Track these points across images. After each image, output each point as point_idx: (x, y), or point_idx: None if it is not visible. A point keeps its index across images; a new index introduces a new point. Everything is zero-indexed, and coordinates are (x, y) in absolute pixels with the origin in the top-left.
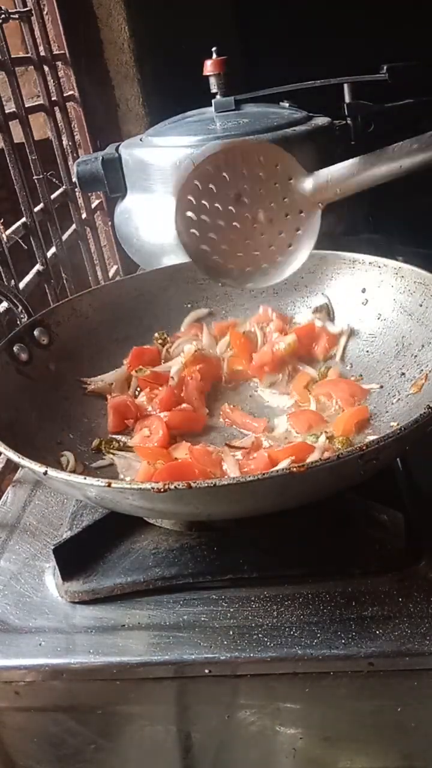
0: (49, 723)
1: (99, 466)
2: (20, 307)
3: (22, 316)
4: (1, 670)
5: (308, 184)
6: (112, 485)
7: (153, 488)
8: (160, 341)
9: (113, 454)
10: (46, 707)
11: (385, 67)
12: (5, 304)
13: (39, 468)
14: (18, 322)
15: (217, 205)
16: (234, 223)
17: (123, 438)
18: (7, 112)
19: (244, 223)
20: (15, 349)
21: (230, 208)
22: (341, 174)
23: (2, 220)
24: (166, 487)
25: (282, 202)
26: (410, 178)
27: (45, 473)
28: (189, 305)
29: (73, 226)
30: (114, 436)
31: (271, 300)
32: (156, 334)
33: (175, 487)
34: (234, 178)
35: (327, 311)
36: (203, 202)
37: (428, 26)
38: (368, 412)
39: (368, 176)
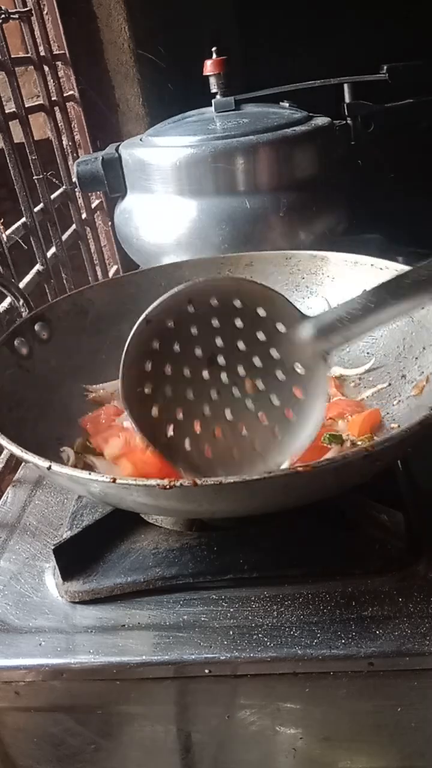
0: (49, 723)
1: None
2: (21, 301)
3: (23, 310)
4: (1, 670)
5: (306, 330)
6: (117, 481)
7: (158, 485)
8: None
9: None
10: (46, 707)
11: (385, 67)
12: (6, 302)
13: (43, 463)
14: (19, 316)
15: (184, 371)
16: (210, 395)
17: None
18: (7, 112)
19: (223, 392)
20: (15, 343)
21: (202, 373)
22: (352, 312)
23: (2, 220)
24: (172, 484)
25: (270, 358)
26: (411, 179)
27: (49, 468)
28: None
29: (73, 226)
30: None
31: None
32: None
33: (181, 484)
34: (203, 332)
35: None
36: (164, 369)
37: (428, 26)
38: (380, 416)
39: (387, 315)
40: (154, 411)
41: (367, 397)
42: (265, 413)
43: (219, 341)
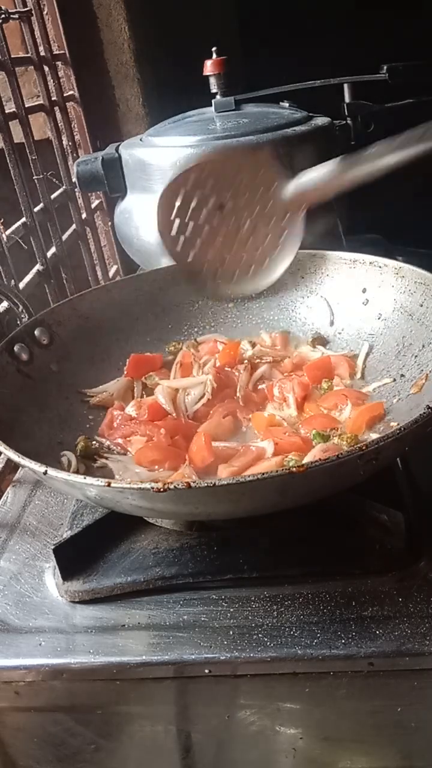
0: (49, 723)
1: (100, 466)
2: (20, 307)
3: (22, 315)
4: (1, 670)
5: (290, 188)
6: (112, 485)
7: (153, 488)
8: (171, 349)
9: (105, 458)
10: (46, 707)
11: (385, 67)
12: (5, 304)
13: (39, 468)
14: (18, 322)
15: (201, 212)
16: (219, 229)
17: (105, 441)
18: (7, 112)
19: (230, 230)
20: (15, 348)
21: (215, 215)
22: (321, 177)
23: (2, 220)
24: (166, 486)
25: (266, 206)
26: (410, 178)
27: (45, 473)
28: (189, 305)
29: (73, 226)
30: (99, 438)
31: (271, 300)
32: (170, 347)
33: (175, 486)
34: (216, 187)
35: (323, 341)
36: (188, 208)
37: (428, 26)
38: (383, 408)
39: (348, 179)
40: (181, 238)
41: (373, 389)
42: (259, 245)
43: (227, 194)
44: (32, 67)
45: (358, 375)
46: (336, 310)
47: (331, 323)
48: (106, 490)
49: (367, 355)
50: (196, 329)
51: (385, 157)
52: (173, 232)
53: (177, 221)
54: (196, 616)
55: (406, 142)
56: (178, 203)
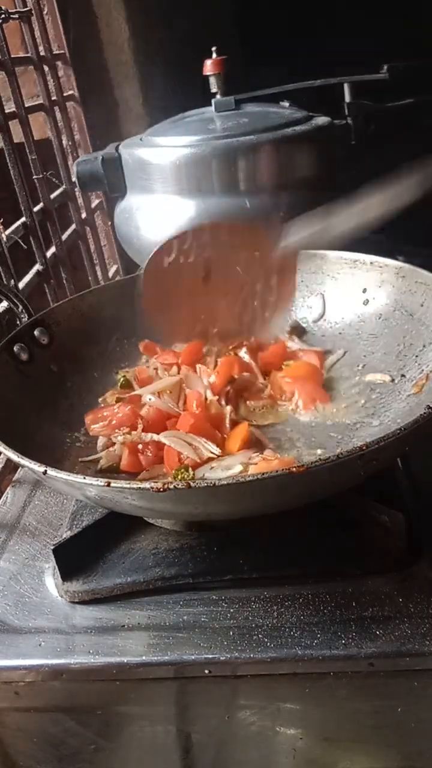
0: (49, 723)
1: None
2: (20, 307)
3: (22, 316)
4: (1, 670)
5: (278, 249)
6: (111, 485)
7: (152, 488)
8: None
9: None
10: (46, 707)
11: (385, 67)
12: (5, 304)
13: (39, 468)
14: (18, 322)
15: (187, 283)
16: (207, 299)
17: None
18: (7, 112)
19: (217, 299)
20: (15, 348)
21: (200, 284)
22: (310, 237)
23: (2, 220)
24: (166, 486)
25: (252, 271)
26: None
27: (45, 473)
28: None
29: (73, 226)
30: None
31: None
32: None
33: (175, 486)
34: (201, 255)
35: (299, 331)
36: (174, 281)
37: (428, 26)
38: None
39: (338, 236)
40: (168, 306)
41: (366, 384)
42: (254, 297)
43: (214, 261)
44: (32, 67)
45: (325, 374)
46: (336, 310)
47: (322, 317)
48: (105, 490)
49: (338, 360)
50: None
51: (374, 210)
52: (159, 306)
53: (162, 295)
54: (196, 617)
55: (396, 191)
56: (162, 276)
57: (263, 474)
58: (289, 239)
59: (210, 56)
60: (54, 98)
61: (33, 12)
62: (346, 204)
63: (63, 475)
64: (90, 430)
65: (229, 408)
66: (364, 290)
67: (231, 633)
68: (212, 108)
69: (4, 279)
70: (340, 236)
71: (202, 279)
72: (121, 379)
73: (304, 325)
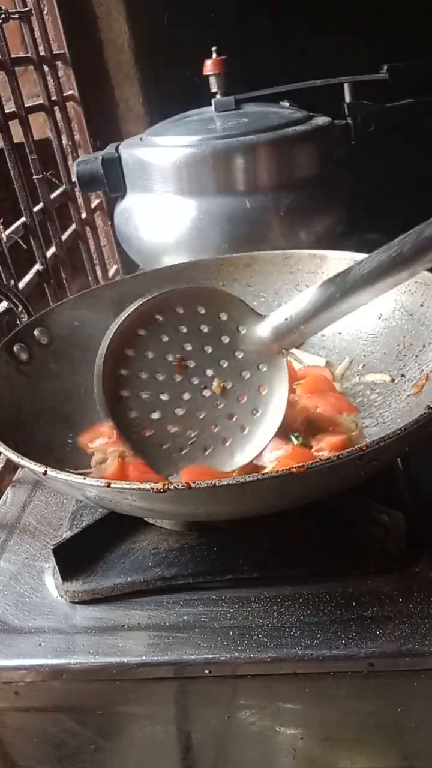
0: (49, 723)
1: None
2: (20, 307)
3: (22, 316)
4: (1, 670)
5: (264, 330)
6: (112, 485)
7: (153, 488)
8: None
9: None
10: (46, 707)
11: (385, 67)
12: (5, 304)
13: (39, 468)
14: (18, 322)
15: (157, 376)
16: (182, 396)
17: None
18: (7, 112)
19: (194, 392)
20: (15, 348)
21: (174, 377)
22: (303, 312)
23: (2, 220)
24: (166, 487)
25: (235, 357)
26: (410, 178)
27: (45, 473)
28: None
29: (73, 226)
30: None
31: (271, 301)
32: None
33: (175, 487)
34: (172, 339)
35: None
36: (139, 375)
37: (428, 26)
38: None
39: (337, 311)
40: (132, 414)
41: (366, 385)
42: (233, 411)
43: (188, 346)
44: (32, 67)
45: (338, 386)
46: None
47: None
48: (105, 490)
49: (346, 369)
50: None
51: (380, 280)
52: (121, 404)
53: (125, 391)
54: (196, 617)
55: (405, 254)
56: (125, 364)
57: (263, 474)
58: (278, 324)
59: (210, 56)
60: (54, 98)
61: (33, 12)
62: (339, 284)
63: (63, 475)
64: (86, 447)
65: None
66: None
67: (231, 633)
68: (212, 108)
69: (4, 279)
70: (336, 319)
71: (176, 367)
72: None
73: None
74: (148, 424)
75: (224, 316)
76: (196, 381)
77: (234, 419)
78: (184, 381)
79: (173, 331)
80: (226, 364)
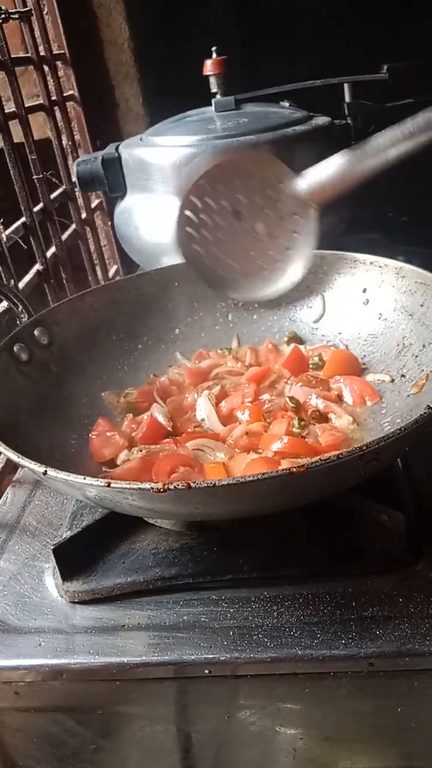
0: (49, 723)
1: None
2: (20, 307)
3: (22, 315)
4: (1, 670)
5: (299, 185)
6: (112, 485)
7: (152, 488)
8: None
9: None
10: (46, 707)
11: (385, 67)
12: (5, 304)
13: (39, 468)
14: (18, 322)
15: (216, 218)
16: (234, 235)
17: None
18: (7, 112)
19: (245, 233)
20: (15, 348)
21: (230, 221)
22: (331, 173)
23: (2, 220)
24: (166, 487)
25: (276, 207)
26: (410, 178)
27: (45, 473)
28: (189, 304)
29: (73, 226)
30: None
31: (272, 300)
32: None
33: (175, 487)
34: (230, 191)
35: (298, 340)
36: (202, 216)
37: (428, 26)
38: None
39: (358, 172)
40: (195, 246)
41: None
42: (272, 247)
43: (241, 197)
44: (32, 66)
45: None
46: (336, 309)
47: (322, 317)
48: (105, 490)
49: None
50: (195, 329)
51: (394, 148)
52: (190, 233)
53: (192, 229)
54: (196, 617)
55: (414, 130)
56: (193, 209)
57: (263, 474)
58: (310, 180)
59: (210, 56)
60: (54, 98)
61: (33, 12)
62: (365, 145)
63: (63, 475)
64: (100, 456)
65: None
66: (364, 290)
67: (231, 633)
68: (212, 108)
69: (4, 279)
70: (362, 178)
71: (231, 214)
72: (123, 406)
73: (303, 328)
74: (208, 253)
75: (269, 172)
76: (246, 225)
77: (270, 253)
78: (238, 225)
79: (230, 186)
80: (269, 212)
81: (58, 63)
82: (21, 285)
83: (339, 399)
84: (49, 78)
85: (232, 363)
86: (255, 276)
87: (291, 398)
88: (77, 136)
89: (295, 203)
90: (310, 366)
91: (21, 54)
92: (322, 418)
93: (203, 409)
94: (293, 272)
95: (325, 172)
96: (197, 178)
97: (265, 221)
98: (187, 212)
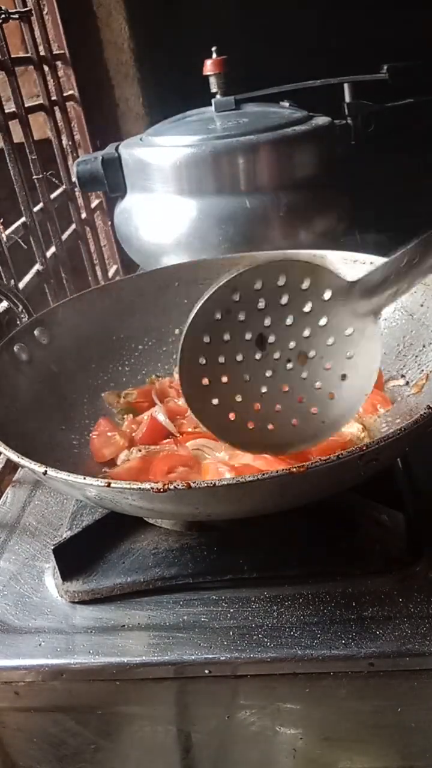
0: (49, 723)
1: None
2: (20, 307)
3: (22, 316)
4: (1, 670)
5: (353, 294)
6: (112, 485)
7: (152, 488)
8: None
9: None
10: (45, 707)
11: (385, 67)
12: (5, 304)
13: (39, 468)
14: (18, 322)
15: (237, 357)
16: (264, 374)
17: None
18: (7, 112)
19: (277, 367)
20: (15, 348)
21: (255, 355)
22: (398, 269)
23: (2, 220)
24: (166, 487)
25: (318, 325)
26: (410, 178)
27: (45, 473)
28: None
29: (73, 226)
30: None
31: None
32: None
33: (175, 487)
34: (250, 316)
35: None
36: (218, 359)
37: (428, 26)
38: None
39: (428, 266)
40: (214, 401)
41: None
42: (318, 380)
43: (267, 320)
44: (32, 67)
45: None
46: None
47: None
48: (105, 490)
49: None
50: None
51: None
52: (202, 393)
53: (206, 377)
54: (196, 617)
55: None
56: (203, 356)
57: (263, 474)
58: (372, 283)
59: (210, 56)
60: (54, 98)
61: (33, 12)
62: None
63: (63, 475)
64: (100, 456)
65: None
66: None
67: (231, 633)
68: (212, 108)
69: (4, 279)
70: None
71: (255, 343)
72: (122, 407)
73: None
74: (231, 407)
75: (306, 284)
76: (277, 355)
77: (320, 388)
78: (266, 357)
79: (251, 308)
80: (307, 332)
81: (58, 63)
82: (21, 285)
83: None
84: (49, 78)
85: None
86: (302, 420)
87: None
88: (77, 136)
89: (347, 316)
90: None
91: (21, 54)
92: None
93: None
94: (354, 403)
95: (390, 268)
96: (202, 304)
97: (304, 347)
98: (198, 358)
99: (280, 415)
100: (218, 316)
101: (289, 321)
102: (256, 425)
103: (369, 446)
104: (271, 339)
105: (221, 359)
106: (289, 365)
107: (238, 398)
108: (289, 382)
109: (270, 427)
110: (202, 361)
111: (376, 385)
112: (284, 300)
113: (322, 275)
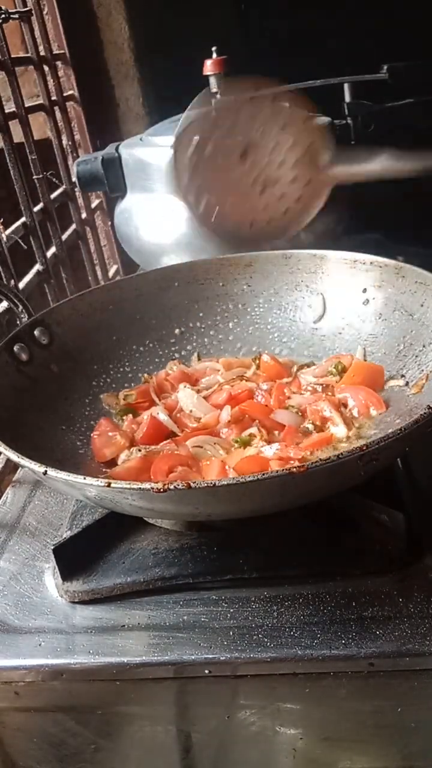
0: (49, 723)
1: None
2: (20, 307)
3: (22, 315)
4: (1, 670)
5: (326, 155)
6: (112, 485)
7: (153, 488)
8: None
9: None
10: (45, 707)
11: (385, 67)
12: (5, 304)
13: (39, 468)
14: (18, 322)
15: (220, 159)
16: (241, 176)
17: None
18: (7, 112)
19: (252, 174)
20: (15, 348)
21: (237, 163)
22: (363, 158)
23: (2, 220)
24: (166, 487)
25: (293, 157)
26: (410, 178)
27: (45, 473)
28: (189, 305)
29: (73, 226)
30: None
31: (271, 300)
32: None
33: (175, 487)
34: (245, 127)
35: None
36: (205, 155)
37: (428, 26)
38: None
39: (393, 170)
40: (198, 187)
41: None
42: (284, 191)
43: (250, 135)
44: (32, 67)
45: None
46: (336, 310)
47: (322, 318)
48: (105, 490)
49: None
50: (195, 330)
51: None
52: (192, 182)
53: (195, 170)
54: (196, 617)
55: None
56: (194, 143)
57: (263, 474)
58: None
59: (210, 56)
60: (54, 98)
61: (33, 12)
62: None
63: (63, 475)
64: (101, 455)
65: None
66: (364, 290)
67: (231, 633)
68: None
69: (4, 279)
70: (393, 175)
71: (239, 157)
72: (121, 407)
73: (303, 328)
74: (211, 192)
75: (289, 112)
76: (255, 162)
77: (282, 199)
78: (245, 167)
79: (236, 120)
80: (284, 158)
81: (58, 63)
82: (21, 285)
83: (343, 406)
84: (49, 78)
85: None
86: (260, 219)
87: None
88: (77, 136)
89: (314, 166)
90: (329, 373)
91: (21, 54)
92: (319, 427)
93: (187, 400)
94: (300, 221)
95: (357, 157)
96: (190, 117)
97: (278, 164)
98: (195, 137)
99: (247, 211)
100: (207, 125)
101: (264, 138)
102: (229, 214)
103: (369, 446)
104: (251, 153)
105: (208, 154)
106: (262, 176)
107: (218, 188)
108: (260, 187)
109: (236, 218)
110: (193, 157)
111: (373, 385)
112: (278, 125)
113: (317, 132)
